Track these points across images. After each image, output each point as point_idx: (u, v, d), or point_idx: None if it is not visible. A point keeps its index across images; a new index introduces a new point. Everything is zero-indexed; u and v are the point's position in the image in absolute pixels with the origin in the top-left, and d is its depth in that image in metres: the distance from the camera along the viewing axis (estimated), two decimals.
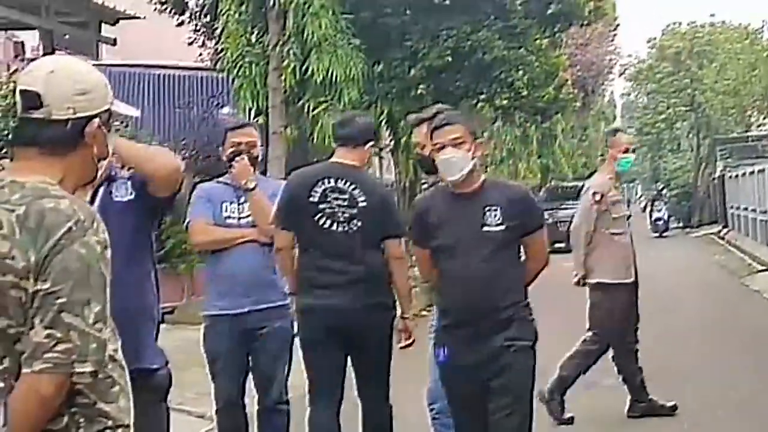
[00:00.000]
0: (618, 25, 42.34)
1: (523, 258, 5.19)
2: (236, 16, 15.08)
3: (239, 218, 5.93)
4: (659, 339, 12.48)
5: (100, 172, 3.26)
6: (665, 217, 38.78)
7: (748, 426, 7.98)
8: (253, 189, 5.88)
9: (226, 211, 5.92)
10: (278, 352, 5.97)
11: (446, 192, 5.11)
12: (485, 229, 4.90)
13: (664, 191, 44.09)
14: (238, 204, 5.92)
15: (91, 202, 4.04)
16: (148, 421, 3.63)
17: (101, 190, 4.19)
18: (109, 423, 2.71)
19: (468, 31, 16.58)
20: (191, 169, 16.68)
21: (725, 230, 35.34)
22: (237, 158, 5.92)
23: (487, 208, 4.91)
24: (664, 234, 37.58)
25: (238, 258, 5.88)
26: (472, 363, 4.98)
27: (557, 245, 30.86)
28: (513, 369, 4.97)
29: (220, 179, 6.07)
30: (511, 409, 4.96)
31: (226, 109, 18.90)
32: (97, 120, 2.84)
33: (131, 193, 4.20)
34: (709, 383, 9.62)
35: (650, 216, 39.43)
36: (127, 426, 2.77)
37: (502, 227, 4.90)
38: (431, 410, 6.05)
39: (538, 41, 19.08)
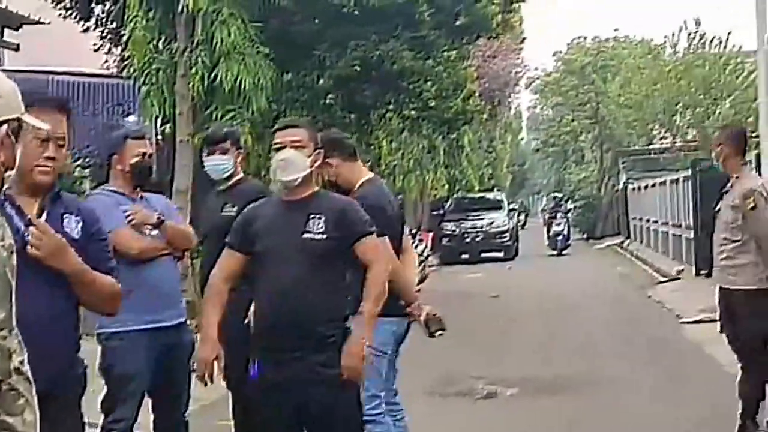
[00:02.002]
0: (524, 38, 42.78)
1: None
2: (143, 22, 14.86)
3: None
4: (561, 351, 12.66)
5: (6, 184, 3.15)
6: (565, 232, 35.00)
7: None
8: (162, 223, 5.73)
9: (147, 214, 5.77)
10: (188, 367, 5.90)
11: (277, 200, 5.00)
12: (305, 236, 4.73)
13: (565, 202, 41.60)
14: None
15: (38, 216, 3.96)
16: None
17: (48, 206, 4.11)
18: None
19: (376, 41, 16.61)
20: (95, 178, 16.55)
21: (627, 241, 35.98)
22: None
23: (312, 216, 4.76)
24: (564, 252, 33.99)
25: (161, 270, 5.74)
26: (282, 383, 4.74)
27: (463, 256, 31.42)
28: (334, 404, 4.77)
29: (113, 188, 5.79)
30: None
31: (131, 117, 18.69)
32: (5, 127, 2.78)
33: (79, 233, 4.15)
34: (609, 395, 9.74)
35: (548, 231, 35.81)
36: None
37: (324, 236, 4.73)
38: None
39: (446, 53, 19.19)
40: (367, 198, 5.54)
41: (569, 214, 38.61)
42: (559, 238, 34.22)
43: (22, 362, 2.70)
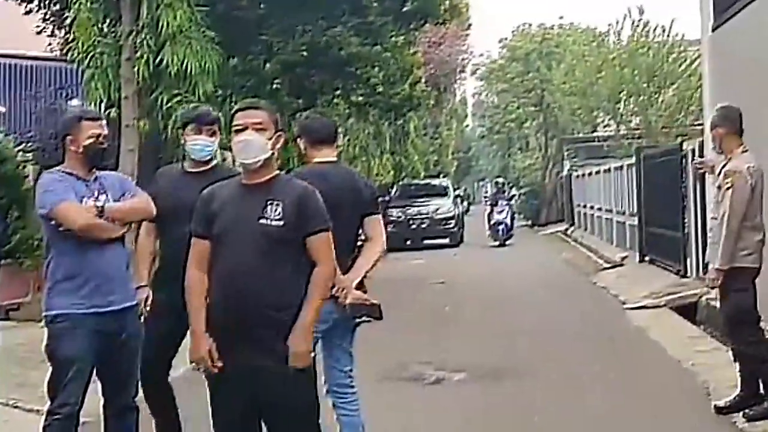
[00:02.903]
0: (470, 24, 42.92)
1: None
2: (88, 5, 14.67)
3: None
4: (508, 337, 12.73)
5: None
6: (507, 221, 32.10)
7: (591, 421, 8.15)
8: (101, 211, 5.68)
9: (86, 205, 5.70)
10: (137, 351, 5.88)
11: (236, 182, 4.92)
12: (261, 221, 4.69)
13: (509, 188, 38.61)
14: (95, 198, 5.74)
15: None
16: None
17: None
18: None
19: (324, 26, 16.57)
20: (38, 162, 16.34)
21: (572, 228, 36.19)
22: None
23: (270, 201, 4.72)
24: (507, 242, 31.56)
25: (108, 253, 5.71)
26: (234, 369, 4.72)
27: (408, 243, 31.44)
28: (291, 391, 4.75)
29: (67, 169, 5.76)
30: (290, 424, 4.82)
31: (75, 101, 18.48)
32: None
33: None
34: (555, 380, 9.80)
35: (489, 219, 32.79)
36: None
37: (280, 223, 4.69)
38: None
39: (393, 38, 19.19)
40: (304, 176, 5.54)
41: (513, 201, 35.92)
42: (501, 227, 31.67)
43: None
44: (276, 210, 4.71)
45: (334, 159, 6.36)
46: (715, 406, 7.92)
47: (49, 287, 5.69)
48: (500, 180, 36.62)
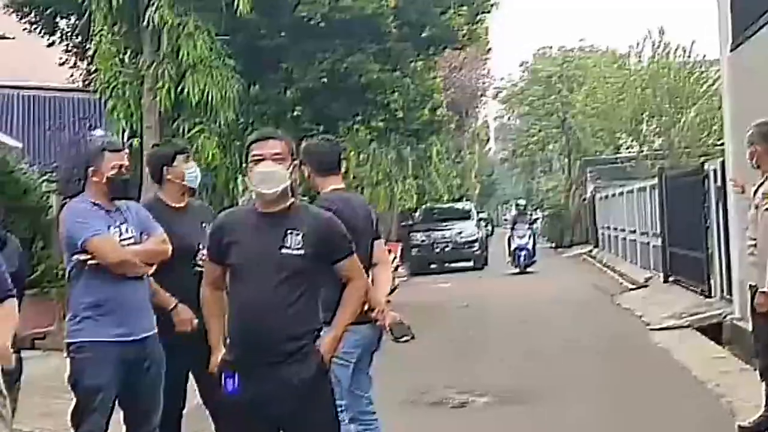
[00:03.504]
0: (490, 48, 43.00)
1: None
2: (109, 36, 14.82)
3: (121, 242, 5.81)
4: (532, 359, 12.69)
5: None
6: (529, 246, 29.52)
7: None
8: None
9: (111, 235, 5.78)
10: (160, 380, 5.90)
11: (251, 210, 4.90)
12: (283, 251, 4.68)
13: (532, 210, 36.63)
14: (117, 227, 5.81)
15: None
16: None
17: None
18: None
19: (343, 53, 16.65)
20: (62, 193, 16.46)
21: (596, 250, 36.08)
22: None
23: (290, 231, 4.70)
24: (528, 269, 29.14)
25: (130, 283, 5.75)
26: (256, 398, 4.68)
27: (432, 266, 31.45)
28: (308, 417, 4.74)
29: (91, 199, 5.81)
30: None
31: (98, 131, 18.62)
32: None
33: None
34: (580, 402, 9.78)
35: (509, 244, 30.32)
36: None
37: (301, 252, 4.68)
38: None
39: (413, 64, 19.25)
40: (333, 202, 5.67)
41: (535, 225, 33.77)
42: (523, 253, 29.27)
43: None
44: (296, 240, 4.70)
45: (343, 186, 6.38)
46: (738, 426, 7.87)
47: (73, 316, 5.72)
48: (521, 202, 34.67)
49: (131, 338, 5.69)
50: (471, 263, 32.23)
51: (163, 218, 6.27)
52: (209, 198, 15.41)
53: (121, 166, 5.86)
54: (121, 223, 5.83)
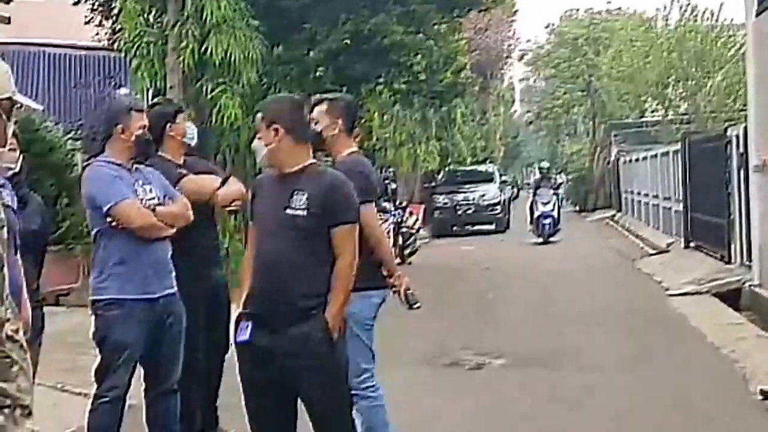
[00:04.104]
0: (516, 10, 42.83)
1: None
2: None
3: (148, 201, 5.90)
4: (549, 323, 12.79)
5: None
6: (554, 213, 26.65)
7: (630, 405, 8.21)
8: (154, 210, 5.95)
9: (137, 195, 5.87)
10: (180, 337, 6.02)
11: (273, 174, 5.06)
12: (288, 211, 4.80)
13: (556, 173, 33.40)
14: (143, 186, 5.91)
15: None
16: None
17: None
18: (8, 401, 2.73)
19: (367, 15, 16.64)
20: (87, 150, 16.59)
21: (619, 214, 36.05)
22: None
23: (296, 191, 4.81)
24: (552, 239, 26.33)
25: (155, 242, 5.86)
26: (268, 347, 4.81)
27: (455, 229, 31.52)
28: (319, 374, 4.85)
29: (111, 159, 5.87)
30: (325, 403, 4.92)
31: (123, 90, 18.73)
32: None
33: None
34: (596, 366, 9.85)
35: (531, 211, 27.37)
36: (26, 406, 2.78)
37: (305, 212, 4.78)
38: None
39: (437, 26, 19.24)
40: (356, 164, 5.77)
41: (560, 190, 30.60)
42: (547, 221, 26.36)
43: (16, 330, 2.77)
44: (301, 200, 4.80)
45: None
46: (761, 389, 7.95)
47: (99, 273, 5.80)
48: (544, 165, 30.63)
49: (156, 296, 5.80)
50: (493, 226, 32.26)
51: (172, 175, 6.43)
52: (232, 158, 15.49)
53: (144, 126, 5.95)
54: (145, 183, 5.92)
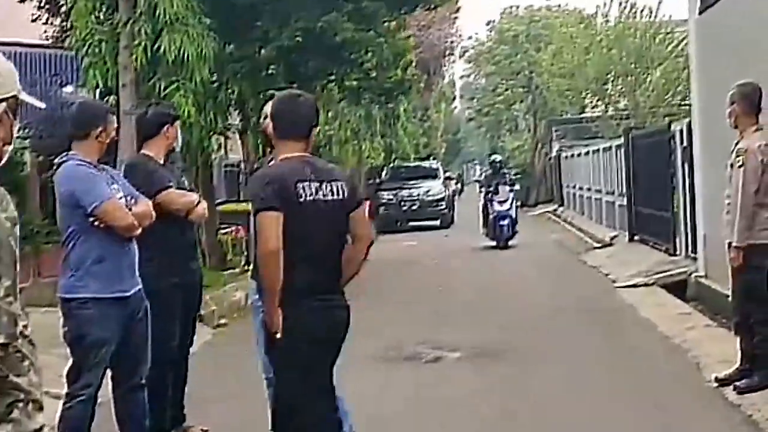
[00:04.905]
0: (459, 7, 43.07)
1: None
2: None
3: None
4: (502, 316, 12.95)
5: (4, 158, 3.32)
6: (512, 213, 23.43)
7: (586, 397, 8.40)
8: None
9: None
10: (147, 332, 6.12)
11: None
12: None
13: (506, 169, 27.82)
14: (109, 187, 5.99)
15: None
16: None
17: None
18: (21, 396, 2.80)
19: (318, 13, 16.73)
20: (35, 149, 16.50)
21: (561, 209, 36.44)
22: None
23: None
24: (510, 243, 23.17)
25: (128, 243, 5.99)
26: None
27: (400, 224, 31.68)
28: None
29: (84, 159, 5.96)
30: None
31: (68, 88, 18.63)
32: (3, 104, 2.93)
33: None
34: (550, 358, 10.01)
35: (485, 211, 23.89)
36: (37, 400, 2.85)
37: None
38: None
39: (386, 23, 19.39)
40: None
41: (516, 186, 26.36)
42: (505, 223, 23.16)
43: (25, 326, 2.86)
44: None
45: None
46: (715, 377, 8.16)
47: (75, 271, 5.85)
48: (497, 158, 27.02)
49: (128, 294, 5.91)
50: (438, 222, 32.47)
51: (158, 172, 6.60)
52: (184, 155, 15.51)
53: (117, 128, 6.13)
54: (112, 183, 6.02)
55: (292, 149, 5.15)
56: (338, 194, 5.09)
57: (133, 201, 6.08)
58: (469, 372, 9.55)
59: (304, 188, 4.96)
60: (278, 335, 4.98)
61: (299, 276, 4.94)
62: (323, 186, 5.03)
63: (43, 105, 3.61)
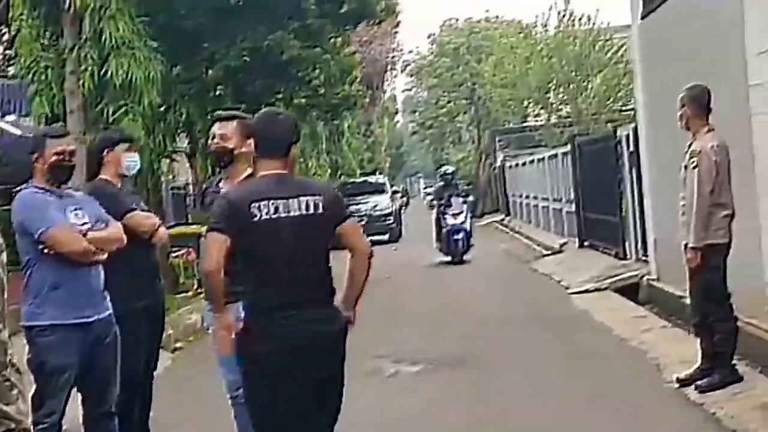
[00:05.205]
0: (399, 22, 43.28)
1: None
2: (29, 21, 14.72)
3: (82, 226, 5.99)
4: (458, 327, 12.97)
5: None
6: (467, 226, 22.34)
7: (549, 402, 8.48)
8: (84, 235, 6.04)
9: (67, 219, 5.95)
10: (116, 359, 6.12)
11: None
12: None
13: (458, 181, 26.03)
14: (74, 211, 5.99)
15: None
16: None
17: None
18: (12, 425, 2.84)
19: (264, 32, 16.76)
20: None
21: (508, 218, 36.65)
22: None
23: None
24: (465, 257, 22.24)
25: (94, 268, 5.98)
26: None
27: None
28: None
29: (38, 185, 5.98)
30: None
31: (10, 117, 18.45)
32: None
33: None
34: (510, 367, 10.06)
35: (438, 225, 22.75)
36: (27, 429, 2.88)
37: None
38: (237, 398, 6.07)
39: (332, 40, 19.47)
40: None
41: (470, 198, 24.70)
42: (459, 236, 22.20)
43: (12, 354, 2.89)
44: None
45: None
46: (677, 378, 8.28)
47: (34, 298, 5.83)
48: (449, 169, 25.25)
49: (90, 320, 5.89)
50: (386, 237, 32.51)
51: (120, 195, 6.65)
52: (135, 178, 15.44)
53: (64, 152, 6.02)
54: (77, 208, 6.01)
55: (270, 167, 5.18)
56: (308, 209, 5.08)
57: (103, 225, 6.08)
58: (431, 384, 9.58)
59: (259, 207, 4.98)
60: (240, 348, 5.05)
61: (264, 293, 5.03)
62: (290, 202, 5.05)
63: (19, 132, 3.64)
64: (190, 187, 23.00)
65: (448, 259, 22.14)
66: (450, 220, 22.17)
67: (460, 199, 22.67)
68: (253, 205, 4.99)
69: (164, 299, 7.24)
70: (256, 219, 4.96)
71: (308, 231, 5.11)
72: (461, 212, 22.28)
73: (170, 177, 23.35)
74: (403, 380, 9.88)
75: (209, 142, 6.48)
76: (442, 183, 23.61)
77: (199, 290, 15.66)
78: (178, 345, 12.63)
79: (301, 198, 5.09)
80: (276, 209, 5.02)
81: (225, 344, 5.06)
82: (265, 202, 5.01)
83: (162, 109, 16.16)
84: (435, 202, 23.39)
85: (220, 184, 6.32)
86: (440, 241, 22.67)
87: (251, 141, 5.33)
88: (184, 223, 23.07)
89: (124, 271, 6.25)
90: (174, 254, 18.56)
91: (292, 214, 5.05)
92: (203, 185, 19.75)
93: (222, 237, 4.91)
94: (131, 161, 6.95)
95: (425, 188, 69.08)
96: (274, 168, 5.17)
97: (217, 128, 6.31)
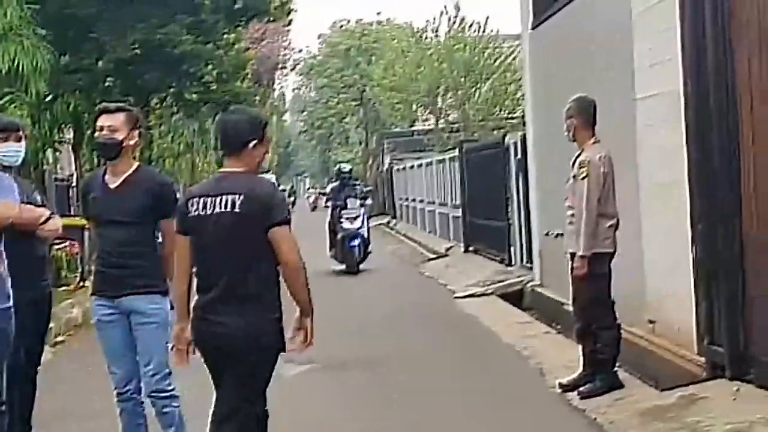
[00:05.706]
0: (291, 20, 43.13)
1: None
2: None
3: None
4: (346, 329, 12.85)
5: None
6: (364, 231, 20.07)
7: (436, 404, 8.56)
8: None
9: None
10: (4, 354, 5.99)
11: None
12: None
13: (356, 181, 23.12)
14: None
15: None
16: None
17: None
18: None
19: (156, 24, 16.56)
20: None
21: (393, 221, 36.80)
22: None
23: None
24: (361, 266, 19.90)
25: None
26: None
27: None
28: None
29: None
30: None
31: None
32: None
33: None
34: (399, 368, 10.04)
35: (332, 231, 20.30)
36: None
37: None
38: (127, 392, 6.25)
39: (225, 36, 19.33)
40: None
41: (368, 201, 21.64)
42: (356, 243, 19.91)
43: None
44: None
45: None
46: (559, 383, 8.41)
47: None
48: (345, 167, 22.72)
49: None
50: None
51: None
52: (18, 167, 15.11)
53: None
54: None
55: (228, 165, 5.27)
56: (225, 207, 5.04)
57: None
58: (322, 384, 9.52)
59: (192, 203, 5.13)
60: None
61: (197, 287, 5.27)
62: (215, 200, 5.08)
63: None
64: (74, 179, 22.56)
65: (343, 267, 19.93)
66: (345, 225, 20.02)
67: (358, 201, 20.47)
68: (189, 201, 5.19)
69: (50, 293, 7.07)
70: (189, 215, 5.17)
71: (226, 229, 5.09)
72: (358, 216, 20.16)
73: (52, 168, 22.90)
74: (293, 381, 9.81)
75: (96, 134, 6.37)
76: (338, 183, 21.38)
77: (81, 284, 15.37)
78: (59, 339, 12.39)
79: (223, 196, 5.09)
80: (204, 206, 5.11)
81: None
82: (197, 198, 5.16)
83: (49, 98, 15.83)
84: (330, 204, 21.01)
85: (105, 177, 6.24)
86: (335, 248, 20.28)
87: (137, 133, 5.67)
88: (67, 215, 22.63)
89: (8, 263, 6.11)
90: (57, 246, 18.16)
91: (215, 211, 5.09)
92: (87, 178, 19.53)
93: (180, 237, 5.31)
94: (4, 153, 6.67)
95: (308, 188, 68.67)
96: (231, 166, 5.23)
97: (104, 120, 6.21)
